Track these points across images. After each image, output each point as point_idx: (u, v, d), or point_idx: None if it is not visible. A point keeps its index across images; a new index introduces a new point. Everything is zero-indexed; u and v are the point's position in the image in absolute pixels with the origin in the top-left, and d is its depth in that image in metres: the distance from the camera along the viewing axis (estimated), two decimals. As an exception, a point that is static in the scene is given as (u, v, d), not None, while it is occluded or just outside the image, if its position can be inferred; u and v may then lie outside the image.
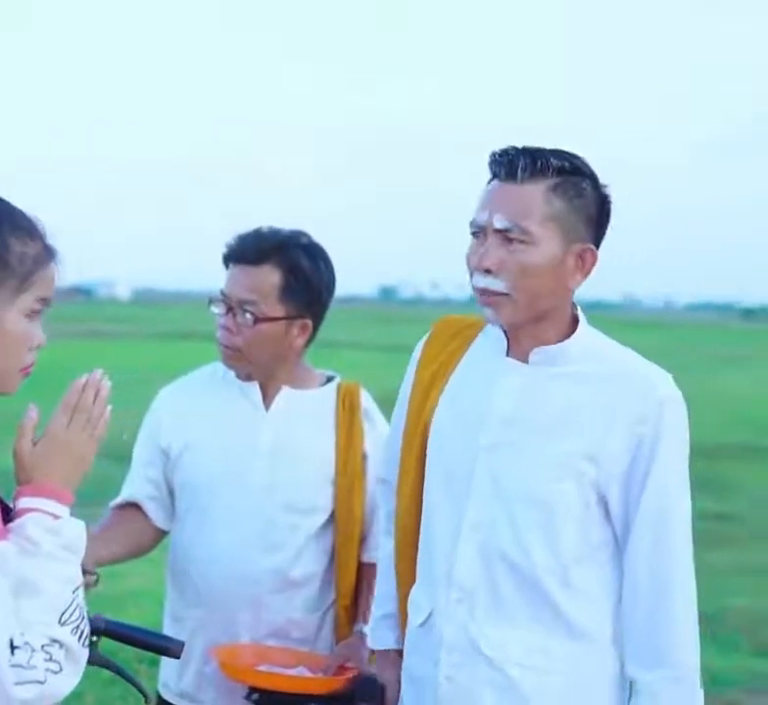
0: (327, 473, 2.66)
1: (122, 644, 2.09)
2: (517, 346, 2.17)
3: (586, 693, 2.12)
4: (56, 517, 1.56)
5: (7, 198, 1.63)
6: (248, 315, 2.59)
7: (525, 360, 2.16)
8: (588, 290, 2.25)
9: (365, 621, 2.62)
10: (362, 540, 2.70)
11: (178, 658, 2.19)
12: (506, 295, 2.08)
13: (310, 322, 2.65)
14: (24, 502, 1.58)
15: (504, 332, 2.18)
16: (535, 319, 2.12)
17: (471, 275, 2.11)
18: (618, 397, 2.09)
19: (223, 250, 2.65)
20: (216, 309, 2.63)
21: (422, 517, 2.24)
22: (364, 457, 2.69)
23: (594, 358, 2.15)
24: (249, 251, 2.61)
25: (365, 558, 2.69)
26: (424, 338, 2.35)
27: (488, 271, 2.08)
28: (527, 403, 2.14)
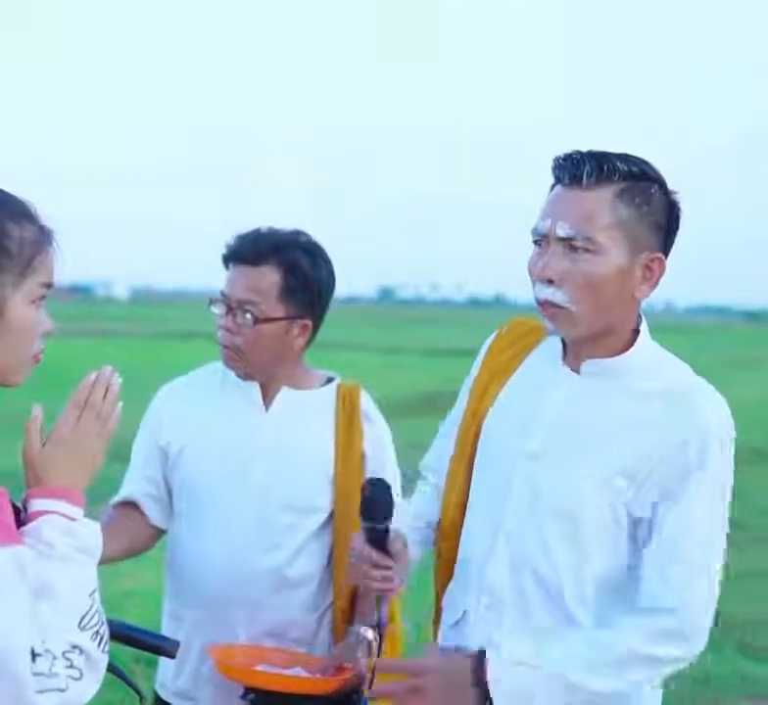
0: (327, 473, 2.66)
1: (119, 644, 2.09)
2: (574, 355, 2.11)
3: None
4: (71, 519, 1.54)
5: None
6: (248, 316, 2.58)
7: (579, 370, 2.10)
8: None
9: (363, 622, 2.61)
10: (361, 540, 2.70)
11: (174, 658, 2.19)
12: (566, 308, 2.00)
13: (310, 322, 2.65)
14: (37, 504, 1.55)
15: (563, 340, 2.13)
16: (598, 333, 2.05)
17: (534, 285, 2.03)
18: (664, 418, 2.01)
19: (223, 250, 2.65)
20: (217, 310, 2.63)
21: (465, 518, 2.20)
22: (363, 458, 2.69)
23: (648, 375, 2.06)
24: (248, 251, 2.60)
25: (364, 559, 2.70)
26: (491, 337, 2.30)
27: (550, 282, 1.99)
28: (574, 415, 2.07)
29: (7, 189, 1.61)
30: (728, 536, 2.03)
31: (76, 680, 1.45)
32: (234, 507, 2.63)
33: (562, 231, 1.98)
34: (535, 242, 2.04)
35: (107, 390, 1.63)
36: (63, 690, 1.43)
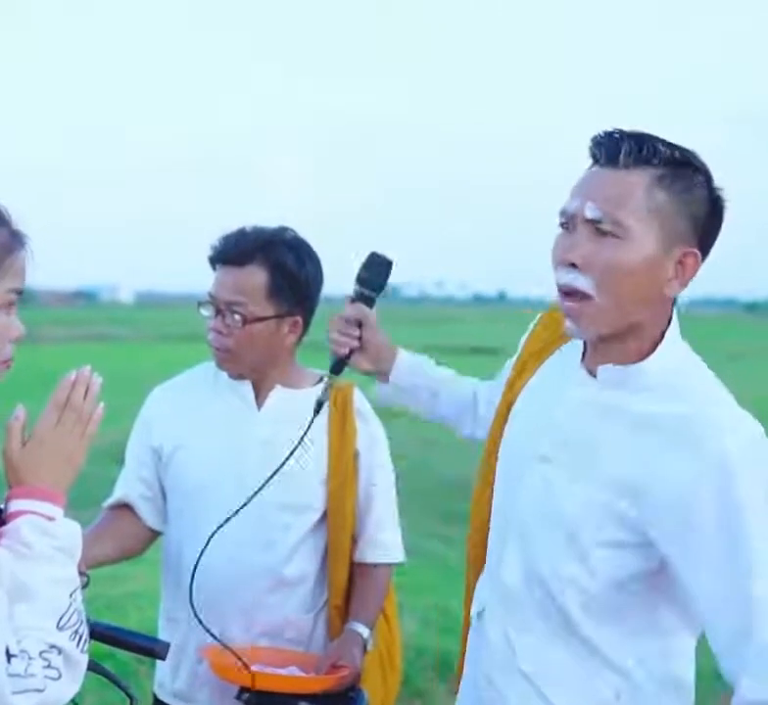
0: (320, 472, 2.65)
1: (110, 647, 2.09)
2: (594, 355, 1.94)
3: None
4: (50, 519, 1.53)
5: (6, 199, 1.60)
6: (237, 317, 2.58)
7: (596, 373, 1.93)
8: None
9: (358, 620, 2.61)
10: (355, 539, 2.69)
11: (164, 659, 2.18)
12: (590, 297, 1.83)
13: (300, 319, 2.64)
14: (15, 505, 1.55)
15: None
16: (622, 333, 1.87)
17: (555, 270, 1.87)
18: (675, 443, 1.81)
19: (208, 252, 2.65)
20: (206, 312, 2.63)
21: (491, 508, 2.10)
22: (356, 456, 2.68)
23: (665, 390, 1.87)
24: (233, 251, 2.60)
25: (358, 557, 2.69)
26: (533, 323, 2.21)
27: (573, 266, 1.83)
28: (582, 425, 1.92)
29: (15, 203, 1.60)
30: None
31: (55, 680, 1.45)
32: (227, 507, 2.62)
33: (590, 212, 1.82)
34: (561, 224, 1.88)
35: (87, 390, 1.62)
36: (41, 691, 1.43)
